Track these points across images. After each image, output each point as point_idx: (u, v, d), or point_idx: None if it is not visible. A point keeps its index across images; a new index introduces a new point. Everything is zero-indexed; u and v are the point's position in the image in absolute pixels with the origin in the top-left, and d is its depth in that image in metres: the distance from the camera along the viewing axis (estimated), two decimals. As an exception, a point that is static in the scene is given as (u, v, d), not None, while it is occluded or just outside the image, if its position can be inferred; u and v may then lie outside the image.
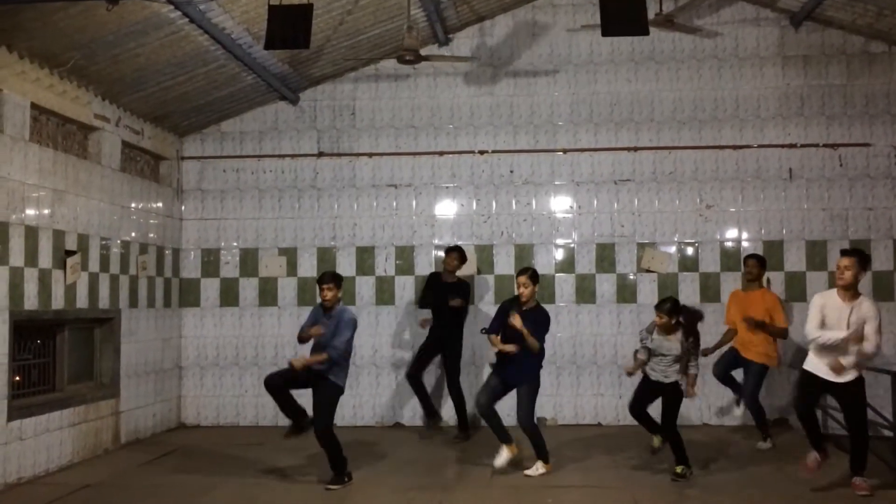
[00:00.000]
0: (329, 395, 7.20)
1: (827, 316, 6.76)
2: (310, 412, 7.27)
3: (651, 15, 8.32)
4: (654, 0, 9.13)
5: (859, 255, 6.80)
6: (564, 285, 10.17)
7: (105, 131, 8.85)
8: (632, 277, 10.11)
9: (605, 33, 7.22)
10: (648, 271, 10.07)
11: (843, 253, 6.91)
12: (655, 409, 7.67)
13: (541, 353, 7.53)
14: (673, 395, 7.44)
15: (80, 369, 8.65)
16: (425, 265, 10.28)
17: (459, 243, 10.20)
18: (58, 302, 7.96)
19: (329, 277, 7.34)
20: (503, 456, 7.59)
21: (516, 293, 7.57)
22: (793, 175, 10.03)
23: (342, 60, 10.10)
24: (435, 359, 9.66)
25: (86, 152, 8.71)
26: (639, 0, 7.05)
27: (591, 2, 9.88)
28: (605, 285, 10.12)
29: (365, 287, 10.30)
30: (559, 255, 10.23)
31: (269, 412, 10.30)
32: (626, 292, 10.09)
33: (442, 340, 9.38)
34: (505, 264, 10.24)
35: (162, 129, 10.11)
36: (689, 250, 10.09)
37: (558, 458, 7.96)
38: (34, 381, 7.95)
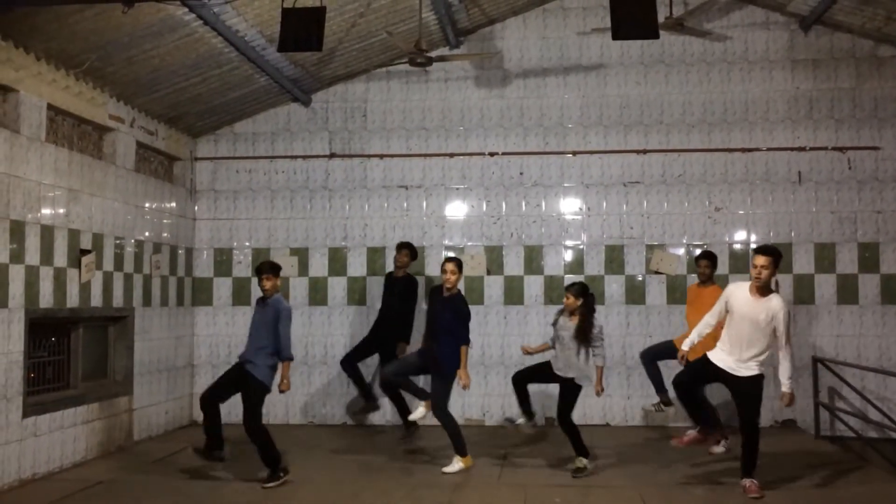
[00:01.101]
0: (258, 394, 7.30)
1: (734, 307, 6.72)
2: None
3: (661, 18, 8.35)
4: (664, 4, 9.19)
5: (775, 254, 6.71)
6: (573, 287, 10.23)
7: (120, 132, 8.94)
8: (640, 279, 10.16)
9: (615, 36, 7.22)
10: (657, 273, 10.11)
11: (760, 252, 6.73)
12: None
13: (464, 341, 7.73)
14: (572, 390, 7.55)
15: (94, 367, 8.73)
16: (435, 266, 10.31)
17: (470, 244, 10.33)
18: (72, 300, 8.05)
19: (268, 268, 7.48)
20: (420, 412, 7.90)
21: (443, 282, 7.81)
22: (802, 178, 10.07)
23: (355, 62, 10.19)
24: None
25: (101, 153, 8.80)
26: (649, 3, 7.05)
27: (602, 5, 9.93)
28: (614, 286, 10.17)
29: (376, 287, 10.37)
30: (568, 256, 10.29)
31: (279, 410, 10.41)
32: (634, 294, 10.13)
33: (382, 337, 9.36)
34: (514, 265, 10.31)
35: (176, 130, 10.21)
36: (698, 252, 10.10)
37: (566, 457, 8.00)
38: (49, 378, 8.03)
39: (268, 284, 7.40)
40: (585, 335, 7.45)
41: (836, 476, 7.44)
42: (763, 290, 6.66)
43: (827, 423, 9.58)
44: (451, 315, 7.67)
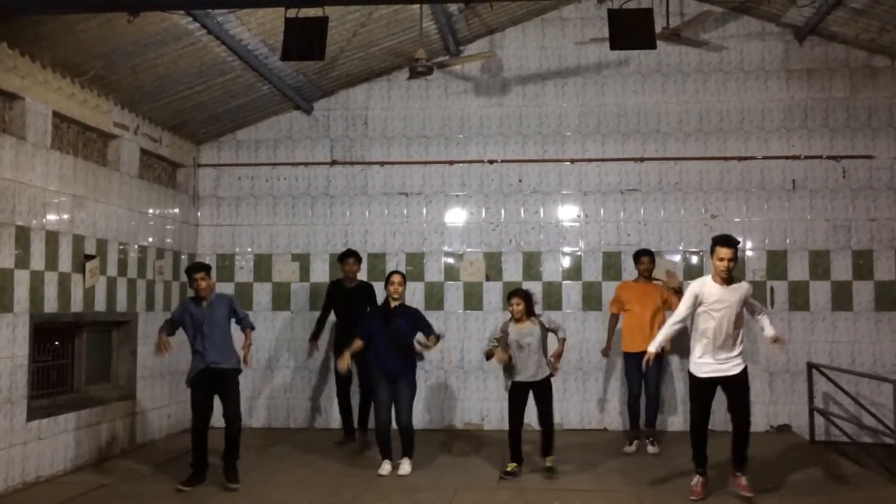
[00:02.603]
0: (237, 384, 7.51)
1: (709, 301, 6.69)
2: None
3: (658, 29, 8.42)
4: (661, 14, 9.35)
5: (737, 245, 6.71)
6: (571, 292, 10.33)
7: (124, 139, 9.03)
8: (638, 285, 10.25)
9: (613, 47, 7.27)
10: (654, 279, 10.16)
11: (724, 244, 6.65)
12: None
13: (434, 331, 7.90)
14: (550, 386, 7.70)
15: (97, 371, 8.82)
16: (435, 272, 10.45)
17: (469, 250, 10.44)
18: (77, 305, 8.13)
19: (199, 267, 7.48)
20: (386, 468, 7.80)
21: (389, 294, 7.84)
22: (796, 186, 10.18)
23: (356, 71, 10.30)
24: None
25: (105, 159, 8.89)
26: (646, 14, 7.10)
27: (600, 15, 10.04)
28: (612, 292, 10.19)
29: (377, 293, 10.44)
30: (566, 262, 10.39)
31: (280, 414, 10.52)
32: (632, 300, 10.20)
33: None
34: (513, 271, 10.41)
35: (179, 137, 10.31)
36: (694, 259, 10.23)
37: (565, 461, 8.07)
38: (53, 382, 8.10)
39: (203, 284, 7.35)
40: (548, 327, 7.69)
41: (830, 481, 7.49)
42: (729, 279, 6.73)
43: (822, 428, 9.66)
44: (408, 322, 7.78)
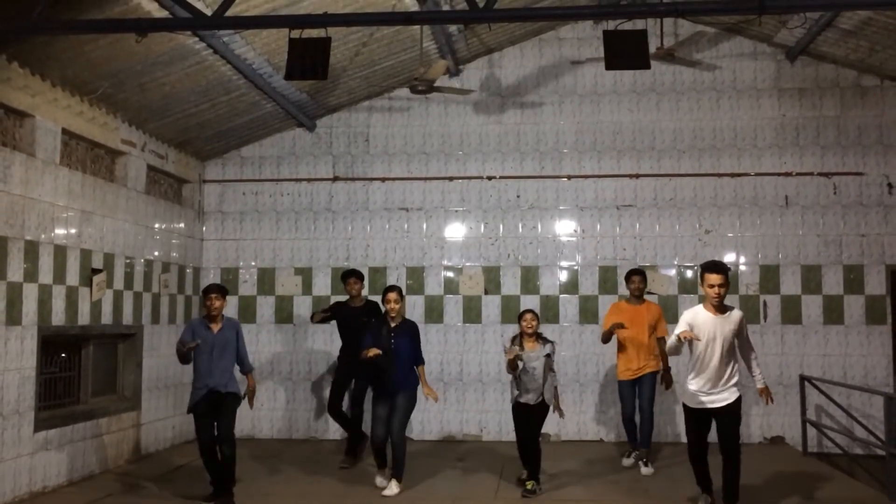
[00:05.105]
0: (234, 406, 7.44)
1: (702, 331, 6.56)
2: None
3: (652, 49, 8.58)
4: (655, 34, 9.52)
5: (728, 271, 6.62)
6: (568, 306, 10.48)
7: (131, 156, 9.19)
8: (633, 299, 10.38)
9: (608, 67, 7.33)
10: (649, 293, 10.25)
11: (714, 270, 6.56)
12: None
13: (421, 361, 7.91)
14: (543, 411, 7.64)
15: (103, 383, 8.93)
16: (435, 286, 10.61)
17: (468, 264, 10.59)
18: (84, 318, 8.26)
19: (216, 287, 7.46)
20: (393, 488, 7.55)
21: (385, 310, 7.78)
22: (788, 202, 10.34)
23: (358, 89, 10.49)
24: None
25: (113, 175, 9.04)
26: (641, 35, 7.21)
27: (596, 35, 10.23)
28: (608, 306, 10.30)
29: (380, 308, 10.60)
30: (563, 276, 10.55)
31: (283, 425, 10.64)
32: (627, 314, 10.33)
33: (353, 367, 8.82)
34: (511, 285, 10.57)
35: (185, 154, 10.48)
36: (689, 273, 10.39)
37: (563, 472, 8.15)
38: (60, 393, 8.20)
39: (217, 304, 7.35)
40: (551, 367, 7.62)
41: (823, 492, 7.58)
42: (721, 307, 6.64)
43: (814, 439, 9.80)
44: (408, 340, 7.72)
